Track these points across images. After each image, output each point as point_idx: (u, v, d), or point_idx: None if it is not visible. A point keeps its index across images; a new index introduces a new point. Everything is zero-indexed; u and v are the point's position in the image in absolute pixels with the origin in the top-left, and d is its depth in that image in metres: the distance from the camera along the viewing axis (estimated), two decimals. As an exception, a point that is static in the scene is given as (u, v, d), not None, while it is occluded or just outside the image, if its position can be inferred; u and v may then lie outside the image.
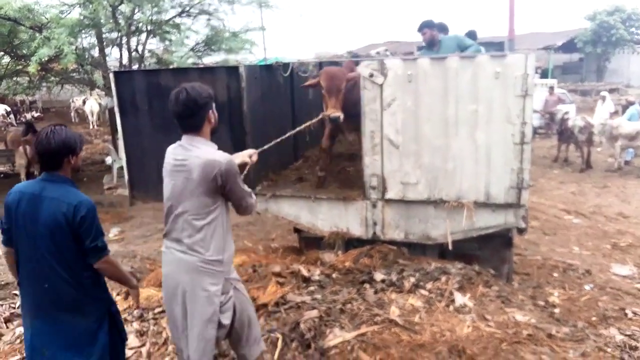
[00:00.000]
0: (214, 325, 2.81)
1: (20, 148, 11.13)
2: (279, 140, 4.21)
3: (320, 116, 4.79)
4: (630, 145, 11.44)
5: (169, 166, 2.79)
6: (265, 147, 3.90)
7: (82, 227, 2.63)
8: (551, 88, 15.32)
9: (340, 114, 4.77)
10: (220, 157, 2.68)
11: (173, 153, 2.79)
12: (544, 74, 24.63)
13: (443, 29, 7.28)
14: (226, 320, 2.87)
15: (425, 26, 5.92)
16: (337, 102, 4.81)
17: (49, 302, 2.73)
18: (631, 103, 12.59)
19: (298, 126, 4.80)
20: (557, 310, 4.58)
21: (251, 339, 3.06)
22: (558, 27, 50.68)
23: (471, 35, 7.40)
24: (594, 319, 4.50)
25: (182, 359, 2.91)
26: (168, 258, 2.86)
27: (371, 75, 4.69)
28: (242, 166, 3.16)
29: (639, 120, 11.75)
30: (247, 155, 3.28)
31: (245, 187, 2.84)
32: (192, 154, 2.69)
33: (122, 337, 3.13)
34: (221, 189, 2.70)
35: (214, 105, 2.81)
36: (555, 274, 5.82)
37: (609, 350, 3.67)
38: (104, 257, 2.74)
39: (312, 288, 4.48)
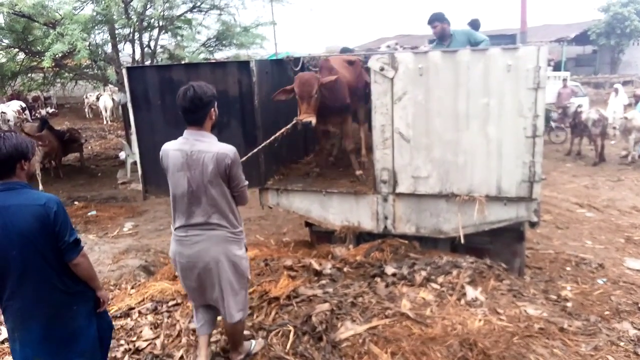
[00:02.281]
0: (245, 280, 3.30)
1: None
2: (251, 153, 4.60)
3: (294, 121, 4.87)
4: (644, 138, 11.31)
5: (180, 159, 3.02)
6: (243, 158, 4.16)
7: (57, 223, 2.58)
8: (564, 81, 15.17)
9: (312, 119, 4.81)
10: (227, 149, 3.03)
11: (179, 148, 3.04)
12: (557, 67, 24.37)
13: (475, 25, 7.24)
14: (249, 274, 3.41)
15: (436, 19, 5.80)
16: (309, 108, 4.85)
17: (35, 311, 2.67)
18: (639, 97, 12.47)
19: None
20: (569, 304, 4.56)
21: None
22: (571, 19, 50.14)
23: (474, 24, 7.33)
24: (606, 313, 4.48)
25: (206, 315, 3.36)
26: (193, 240, 3.11)
27: (382, 69, 4.68)
28: None
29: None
30: None
31: (242, 175, 3.22)
32: (202, 148, 2.99)
33: (108, 323, 3.18)
34: (228, 175, 3.04)
35: (216, 103, 3.10)
36: (568, 268, 5.80)
37: (621, 344, 3.65)
38: (82, 250, 2.72)
39: (323, 282, 4.50)
